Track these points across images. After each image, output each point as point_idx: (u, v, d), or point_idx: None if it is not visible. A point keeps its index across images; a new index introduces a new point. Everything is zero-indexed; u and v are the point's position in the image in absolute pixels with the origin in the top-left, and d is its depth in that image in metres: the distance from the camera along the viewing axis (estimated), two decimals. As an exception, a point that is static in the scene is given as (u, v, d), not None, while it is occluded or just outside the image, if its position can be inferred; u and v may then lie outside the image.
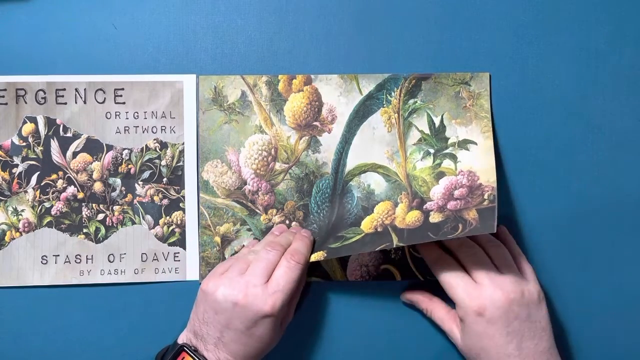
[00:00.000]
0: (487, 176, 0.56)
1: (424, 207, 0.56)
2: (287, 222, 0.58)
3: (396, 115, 0.57)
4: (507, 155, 0.59)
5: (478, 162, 0.56)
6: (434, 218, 0.55)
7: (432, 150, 0.57)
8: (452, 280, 0.52)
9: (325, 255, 0.55)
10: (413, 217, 0.56)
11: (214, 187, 0.58)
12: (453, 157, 0.57)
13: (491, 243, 0.54)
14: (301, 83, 0.58)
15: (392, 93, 0.58)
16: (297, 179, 0.58)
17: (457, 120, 0.57)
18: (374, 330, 0.59)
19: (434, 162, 0.57)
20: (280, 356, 0.58)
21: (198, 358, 0.50)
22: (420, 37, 0.60)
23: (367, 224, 0.57)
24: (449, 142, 0.57)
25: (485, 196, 0.54)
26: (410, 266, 0.58)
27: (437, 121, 0.57)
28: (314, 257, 0.55)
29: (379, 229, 0.56)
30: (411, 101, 0.58)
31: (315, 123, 0.58)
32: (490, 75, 0.59)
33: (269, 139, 0.58)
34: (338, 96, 0.58)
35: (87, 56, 0.59)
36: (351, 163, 0.57)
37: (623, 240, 0.60)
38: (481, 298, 0.50)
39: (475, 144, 0.57)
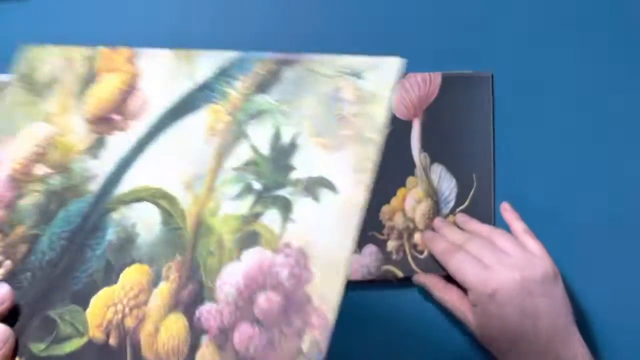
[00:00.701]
0: (332, 280, 0.30)
1: (196, 314, 0.32)
2: (1, 258, 0.37)
3: (229, 117, 0.35)
4: (507, 156, 0.60)
5: (324, 234, 0.31)
6: (205, 357, 0.32)
7: (258, 186, 0.34)
8: (461, 266, 0.51)
9: None
10: (173, 336, 0.33)
11: None
12: (285, 208, 0.33)
13: (495, 231, 0.54)
14: (122, 61, 0.40)
15: (235, 82, 0.36)
16: (49, 193, 0.38)
17: (320, 139, 0.32)
18: (372, 330, 0.58)
19: (251, 208, 0.33)
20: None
21: None
22: (421, 37, 0.60)
23: (98, 315, 0.34)
24: (292, 176, 0.33)
25: (307, 342, 0.29)
26: (411, 265, 0.56)
27: (287, 136, 0.33)
28: None
29: (111, 340, 0.34)
30: (258, 98, 0.35)
31: (114, 116, 0.38)
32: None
33: (51, 132, 0.40)
34: (162, 83, 0.38)
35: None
36: (129, 182, 0.36)
37: (623, 240, 0.60)
38: (492, 280, 0.49)
39: (336, 192, 0.32)
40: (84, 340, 0.33)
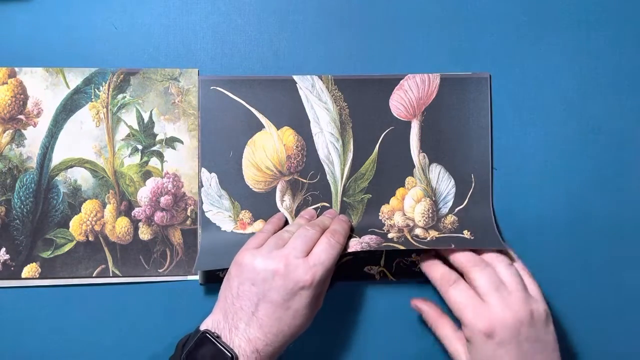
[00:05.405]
0: (190, 185, 0.59)
1: (133, 214, 0.59)
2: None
3: (105, 110, 0.59)
4: (507, 155, 0.60)
5: (183, 165, 0.59)
6: (144, 234, 0.58)
7: (140, 147, 0.59)
8: (460, 299, 0.51)
9: (40, 270, 0.57)
10: (123, 228, 0.59)
11: None
12: (160, 156, 0.59)
13: (500, 261, 0.53)
14: (5, 76, 0.58)
15: (101, 87, 0.59)
16: (0, 174, 0.58)
17: (165, 117, 0.59)
18: (369, 328, 0.60)
19: (141, 159, 0.59)
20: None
21: (220, 345, 0.48)
22: (420, 37, 0.60)
23: (76, 227, 0.58)
24: (157, 138, 0.59)
25: (188, 212, 0.59)
26: (412, 242, 0.58)
27: (146, 117, 0.59)
28: (26, 272, 0.57)
29: (90, 237, 0.58)
30: (120, 96, 0.59)
31: (20, 116, 0.58)
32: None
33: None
34: (44, 89, 0.58)
35: (87, 56, 0.59)
36: (57, 158, 0.58)
37: (623, 240, 0.60)
38: (490, 319, 0.49)
39: (182, 142, 0.59)
40: (74, 243, 0.58)
